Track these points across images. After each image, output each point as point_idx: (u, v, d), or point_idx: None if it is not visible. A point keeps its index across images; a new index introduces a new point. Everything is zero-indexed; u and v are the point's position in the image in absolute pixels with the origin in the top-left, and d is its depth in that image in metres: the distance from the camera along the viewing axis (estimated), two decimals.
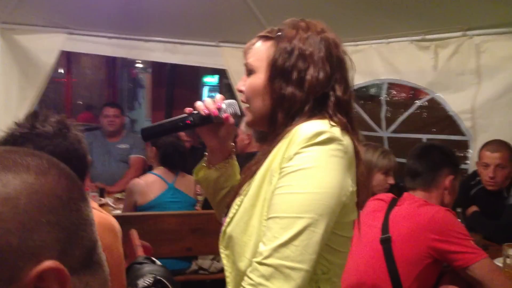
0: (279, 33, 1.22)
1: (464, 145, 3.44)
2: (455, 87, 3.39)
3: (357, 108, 4.20)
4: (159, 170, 3.34)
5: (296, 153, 1.08)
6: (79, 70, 7.24)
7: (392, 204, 2.15)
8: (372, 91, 4.69)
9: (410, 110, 3.92)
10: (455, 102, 3.40)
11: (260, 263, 1.04)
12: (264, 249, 1.04)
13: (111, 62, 6.99)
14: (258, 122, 1.27)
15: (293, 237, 1.03)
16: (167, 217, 3.09)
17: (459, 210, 2.65)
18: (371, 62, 3.90)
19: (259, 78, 1.22)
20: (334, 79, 1.18)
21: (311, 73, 1.16)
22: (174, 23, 4.26)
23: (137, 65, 8.97)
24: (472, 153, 3.32)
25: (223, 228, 1.24)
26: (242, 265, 1.14)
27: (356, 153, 1.15)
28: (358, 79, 4.00)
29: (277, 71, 1.18)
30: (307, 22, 1.23)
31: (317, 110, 1.16)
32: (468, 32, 3.26)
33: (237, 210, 1.20)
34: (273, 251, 1.03)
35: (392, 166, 2.70)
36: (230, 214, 1.22)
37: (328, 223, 1.05)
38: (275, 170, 1.12)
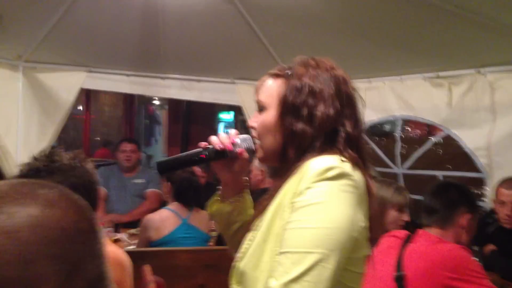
0: (289, 71, 1.24)
1: (480, 182, 3.40)
2: (470, 124, 3.39)
3: (371, 144, 4.20)
4: (174, 205, 3.35)
5: (306, 188, 1.08)
6: (98, 107, 7.39)
7: (406, 241, 2.12)
8: (387, 127, 4.70)
9: (425, 147, 3.91)
10: (471, 139, 3.38)
11: None
12: (275, 284, 1.03)
13: (128, 99, 7.12)
14: (269, 158, 1.29)
15: (304, 272, 1.01)
16: (180, 253, 3.08)
17: (476, 248, 2.60)
18: (385, 99, 3.92)
19: (270, 115, 1.24)
20: (343, 115, 1.20)
21: (321, 109, 1.18)
22: (190, 60, 4.35)
23: (154, 102, 9.13)
24: (489, 190, 3.28)
25: (235, 263, 1.24)
26: None
27: (368, 188, 1.15)
28: (372, 116, 4.03)
29: (288, 108, 1.20)
30: (317, 59, 1.25)
31: (328, 146, 1.18)
32: (482, 70, 3.28)
33: (249, 245, 1.20)
34: (284, 286, 1.01)
35: (406, 203, 2.66)
36: (243, 249, 1.22)
37: (340, 258, 1.04)
38: (286, 205, 1.12)
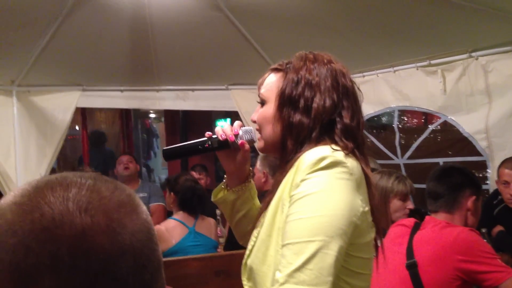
0: (288, 65, 1.29)
1: (482, 166, 3.41)
2: (466, 109, 3.40)
3: (370, 137, 4.21)
4: (179, 215, 3.35)
5: (302, 180, 1.11)
6: (94, 125, 7.39)
7: (415, 228, 2.13)
8: (384, 119, 4.71)
9: (424, 135, 3.92)
10: (468, 123, 3.39)
11: None
12: (280, 276, 1.06)
13: (124, 115, 7.12)
14: (269, 149, 1.33)
15: (307, 261, 1.04)
16: (191, 261, 3.08)
17: (484, 230, 2.61)
18: (380, 91, 3.94)
19: (270, 108, 1.29)
20: (340, 107, 1.23)
21: (317, 101, 1.22)
22: (183, 70, 4.37)
23: (151, 115, 9.13)
24: (491, 173, 3.29)
25: (243, 260, 1.28)
26: None
27: (366, 175, 1.18)
28: (368, 109, 4.04)
29: (285, 100, 1.25)
30: (315, 54, 1.30)
31: (325, 136, 1.21)
32: (474, 54, 3.29)
33: (254, 242, 1.25)
34: (288, 277, 1.04)
35: (409, 191, 2.65)
36: (249, 246, 1.27)
37: (341, 244, 1.06)
38: (285, 199, 1.16)
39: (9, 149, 3.98)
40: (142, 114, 8.97)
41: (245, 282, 1.28)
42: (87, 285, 0.55)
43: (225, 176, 1.47)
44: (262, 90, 1.33)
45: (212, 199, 1.50)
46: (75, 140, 6.84)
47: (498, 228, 2.98)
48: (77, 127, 6.56)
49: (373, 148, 4.22)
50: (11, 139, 4.01)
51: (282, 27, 3.60)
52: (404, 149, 3.99)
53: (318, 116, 1.21)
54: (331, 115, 1.21)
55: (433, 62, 3.54)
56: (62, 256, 0.54)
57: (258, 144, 1.36)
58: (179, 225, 3.29)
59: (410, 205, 2.66)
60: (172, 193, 3.45)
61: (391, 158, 4.06)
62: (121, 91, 4.47)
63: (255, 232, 1.27)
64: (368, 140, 4.24)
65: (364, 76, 4.01)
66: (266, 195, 1.29)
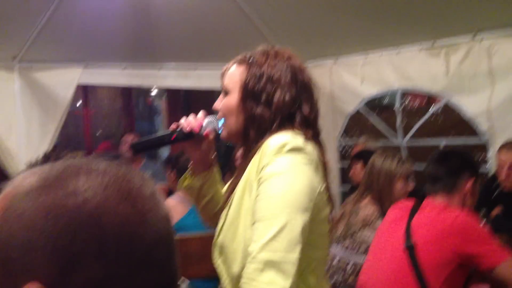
0: (251, 59, 1.39)
1: (483, 148, 3.41)
2: (469, 91, 3.39)
3: (371, 118, 4.21)
4: (180, 193, 3.37)
5: (267, 164, 1.23)
6: (96, 102, 7.37)
7: (413, 211, 2.14)
8: (386, 100, 4.69)
9: (426, 117, 3.91)
10: (471, 106, 3.38)
11: (252, 260, 1.16)
12: (254, 247, 1.17)
13: (126, 92, 7.10)
14: (232, 137, 1.44)
15: (277, 233, 1.16)
16: (191, 239, 3.11)
17: (483, 212, 2.63)
18: (383, 72, 3.91)
19: (233, 99, 1.39)
20: (300, 100, 1.35)
21: (278, 95, 1.33)
22: (185, 48, 4.34)
23: (152, 92, 9.10)
24: (492, 155, 3.29)
25: (214, 239, 1.40)
26: (235, 269, 1.28)
27: (324, 163, 1.33)
28: (370, 90, 4.02)
29: (248, 93, 1.35)
30: (276, 49, 1.41)
31: (286, 125, 1.32)
32: (478, 35, 3.26)
33: (224, 221, 1.36)
34: (262, 247, 1.15)
35: (410, 172, 2.73)
36: (219, 226, 1.38)
37: (305, 217, 1.19)
38: (253, 181, 1.28)
39: (11, 125, 3.98)
40: (143, 91, 8.93)
41: (216, 258, 1.39)
42: (132, 272, 0.56)
43: (189, 164, 1.55)
44: (226, 81, 1.42)
45: (178, 187, 1.59)
46: (78, 116, 6.84)
47: (497, 210, 3.00)
48: (79, 103, 6.56)
49: (374, 129, 4.22)
50: (13, 116, 4.00)
51: (286, 6, 3.56)
52: (406, 131, 3.99)
53: (278, 109, 1.33)
54: (291, 108, 1.33)
55: (437, 43, 3.51)
56: (108, 243, 0.55)
57: (222, 133, 1.44)
58: (180, 203, 3.31)
59: (411, 185, 2.71)
60: (173, 172, 3.46)
61: (392, 140, 4.06)
62: (123, 68, 4.44)
63: (224, 213, 1.38)
64: (369, 121, 4.23)
65: (367, 56, 3.98)
66: (232, 178, 1.42)
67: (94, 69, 4.37)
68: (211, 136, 1.46)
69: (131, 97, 7.29)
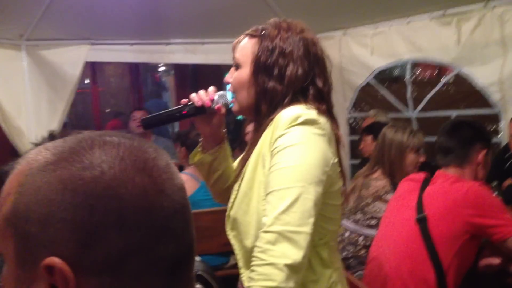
0: (263, 32, 1.36)
1: (495, 119, 3.37)
2: (480, 60, 3.32)
3: (382, 90, 4.16)
4: (190, 169, 3.38)
5: (280, 136, 1.22)
6: (104, 79, 7.37)
7: (425, 183, 2.13)
8: (396, 72, 4.64)
9: (437, 88, 3.86)
10: (482, 76, 3.33)
11: (265, 232, 1.15)
12: (267, 219, 1.16)
13: (134, 68, 7.07)
14: (244, 112, 1.43)
15: (290, 204, 1.16)
16: (202, 214, 3.13)
17: (495, 184, 2.61)
18: (392, 43, 3.85)
19: (245, 72, 1.37)
20: (312, 74, 1.33)
21: (290, 69, 1.31)
22: (193, 24, 4.30)
23: (160, 68, 9.07)
24: (504, 126, 3.25)
25: (227, 212, 1.39)
26: (248, 242, 1.29)
27: (336, 136, 1.32)
28: (380, 61, 3.97)
29: (260, 67, 1.33)
30: (289, 22, 1.37)
31: (299, 99, 1.31)
32: (489, 3, 3.19)
33: (236, 194, 1.36)
34: (275, 219, 1.15)
35: (422, 144, 2.71)
36: (231, 199, 1.37)
37: (318, 190, 1.19)
38: (266, 154, 1.27)
39: (20, 104, 4.00)
40: (151, 68, 8.91)
41: (229, 231, 1.39)
42: (150, 243, 0.56)
43: (200, 139, 1.54)
44: (237, 54, 1.39)
45: (189, 162, 1.58)
46: (86, 94, 6.85)
47: (509, 181, 2.98)
48: (87, 81, 6.56)
49: (384, 101, 4.18)
50: (22, 94, 4.01)
51: None
52: (416, 102, 3.94)
53: (291, 83, 1.31)
54: (303, 82, 1.32)
55: (448, 12, 3.44)
56: (127, 214, 0.55)
57: (234, 107, 1.42)
58: (190, 179, 3.32)
59: (422, 158, 2.70)
60: (183, 148, 3.46)
61: (402, 112, 4.03)
62: (130, 44, 4.42)
63: (236, 186, 1.37)
64: (379, 93, 4.19)
65: (377, 27, 3.91)
66: (243, 153, 1.41)
67: (102, 46, 4.35)
68: (223, 110, 1.44)
69: (139, 74, 7.27)
